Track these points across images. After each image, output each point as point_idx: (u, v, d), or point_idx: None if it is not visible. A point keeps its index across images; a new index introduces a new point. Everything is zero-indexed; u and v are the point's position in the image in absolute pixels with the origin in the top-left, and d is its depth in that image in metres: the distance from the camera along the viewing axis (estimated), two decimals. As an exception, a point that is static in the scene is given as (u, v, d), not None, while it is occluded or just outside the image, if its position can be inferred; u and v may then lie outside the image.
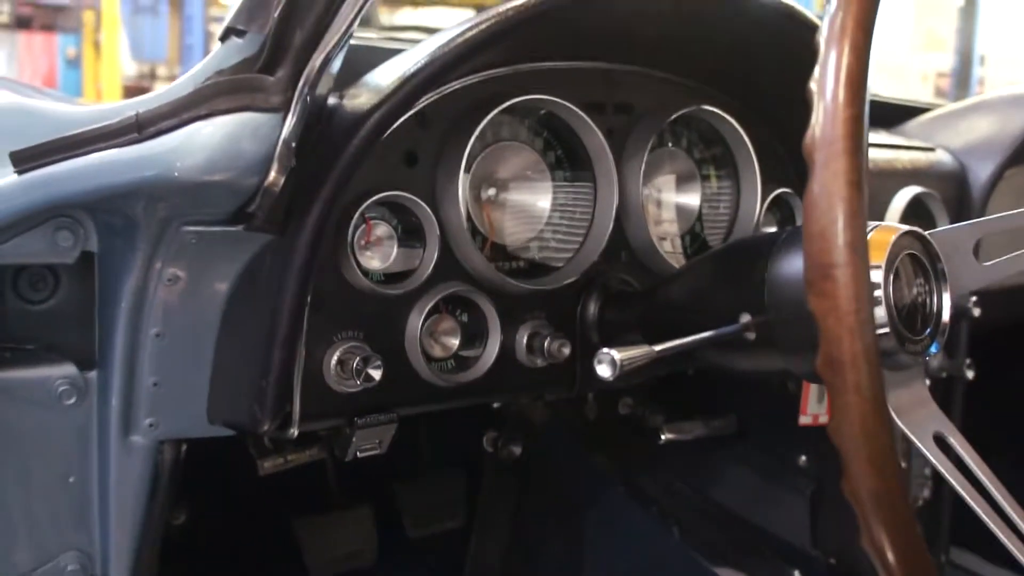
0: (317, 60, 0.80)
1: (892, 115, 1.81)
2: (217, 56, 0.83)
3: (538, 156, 1.08)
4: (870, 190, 1.22)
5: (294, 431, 0.95)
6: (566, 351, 1.05)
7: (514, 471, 1.77)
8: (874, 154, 1.40)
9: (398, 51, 0.99)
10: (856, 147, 0.57)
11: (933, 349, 0.85)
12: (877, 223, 0.85)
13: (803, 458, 1.40)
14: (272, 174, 0.82)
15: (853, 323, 0.55)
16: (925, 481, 1.47)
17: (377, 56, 0.99)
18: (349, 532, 1.72)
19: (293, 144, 0.82)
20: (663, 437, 1.38)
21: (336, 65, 0.87)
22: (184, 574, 1.41)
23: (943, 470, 0.80)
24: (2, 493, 0.96)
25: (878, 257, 0.81)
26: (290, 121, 0.80)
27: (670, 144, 1.20)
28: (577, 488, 1.70)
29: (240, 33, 0.82)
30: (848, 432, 0.56)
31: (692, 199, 1.21)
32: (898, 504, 0.55)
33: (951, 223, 1.39)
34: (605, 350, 0.84)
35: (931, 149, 1.58)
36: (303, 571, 1.67)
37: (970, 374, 1.53)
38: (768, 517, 1.48)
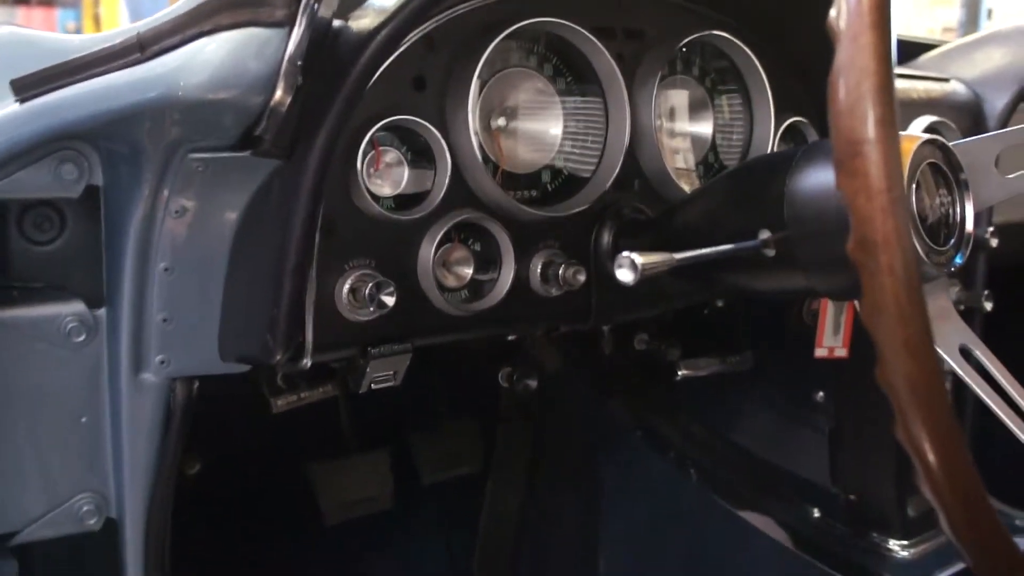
0: None
1: (905, 51, 1.79)
2: None
3: (548, 82, 1.07)
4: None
5: (307, 361, 0.94)
6: (581, 278, 1.04)
7: (529, 416, 1.77)
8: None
9: None
10: (884, 20, 0.55)
11: (957, 260, 0.84)
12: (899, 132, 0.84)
13: (820, 394, 1.39)
14: (278, 92, 0.80)
15: (885, 201, 0.53)
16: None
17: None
18: (364, 477, 1.72)
19: (299, 62, 0.80)
20: (679, 373, 1.38)
21: None
22: (200, 523, 1.41)
23: (970, 380, 0.79)
24: (14, 434, 0.95)
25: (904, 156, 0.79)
26: (295, 36, 0.79)
27: (682, 71, 1.18)
28: (593, 433, 1.70)
29: None
30: (882, 316, 0.54)
31: (705, 127, 1.19)
32: (935, 391, 0.54)
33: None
34: (625, 253, 0.83)
35: (945, 80, 1.57)
36: (318, 517, 1.67)
37: (988, 306, 1.52)
38: (787, 455, 1.47)
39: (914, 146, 0.81)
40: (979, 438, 1.44)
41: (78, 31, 8.47)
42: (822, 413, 1.40)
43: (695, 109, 1.19)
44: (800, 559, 1.20)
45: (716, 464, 1.51)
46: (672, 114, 1.17)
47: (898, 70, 1.57)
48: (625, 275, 0.84)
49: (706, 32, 1.14)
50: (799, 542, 1.32)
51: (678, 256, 0.85)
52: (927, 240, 0.80)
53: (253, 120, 0.83)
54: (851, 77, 0.55)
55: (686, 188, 1.11)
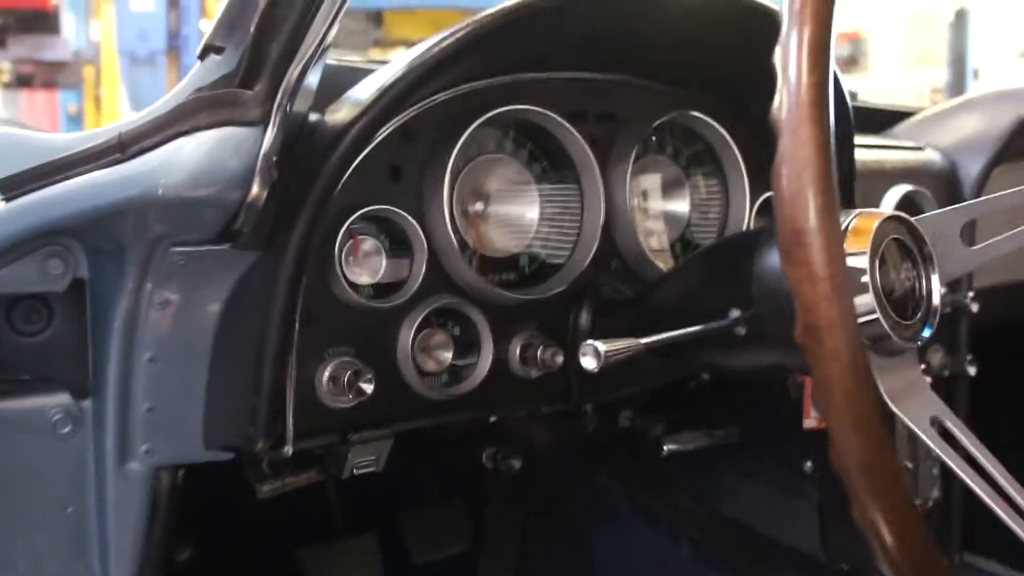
0: (294, 72, 0.82)
1: (881, 121, 1.82)
2: (197, 74, 0.84)
3: (523, 167, 1.09)
4: (861, 190, 1.22)
5: (288, 449, 0.95)
6: (559, 359, 1.05)
7: (517, 492, 1.76)
8: (863, 155, 1.40)
9: None
10: (821, 113, 0.57)
11: (925, 333, 0.85)
12: (860, 210, 0.85)
13: (809, 464, 1.39)
14: (255, 188, 0.83)
15: (828, 289, 0.55)
16: (934, 481, 1.46)
17: (359, 77, 1.01)
18: (354, 561, 1.70)
19: (274, 158, 0.83)
20: (665, 448, 1.38)
21: (314, 79, 0.88)
22: None
23: (942, 454, 0.79)
24: (11, 527, 0.96)
25: (862, 243, 0.81)
26: (270, 134, 0.82)
27: (655, 151, 1.20)
28: (582, 507, 1.70)
29: (219, 50, 0.83)
30: (831, 398, 0.56)
31: (681, 205, 1.21)
32: (887, 469, 0.55)
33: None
34: (589, 341, 0.84)
35: (920, 148, 1.59)
36: None
37: (972, 371, 1.52)
38: (777, 526, 1.47)
39: (876, 223, 0.82)
40: (970, 495, 1.44)
41: (79, 112, 8.59)
42: (811, 483, 1.40)
43: (670, 188, 1.21)
44: None
45: (707, 536, 1.50)
46: (647, 194, 1.19)
47: (874, 140, 1.60)
48: (589, 363, 0.85)
49: (679, 112, 1.16)
50: None
51: (645, 340, 0.86)
52: (892, 315, 0.81)
53: (232, 214, 0.85)
54: (793, 169, 0.57)
55: (662, 267, 1.13)
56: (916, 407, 0.82)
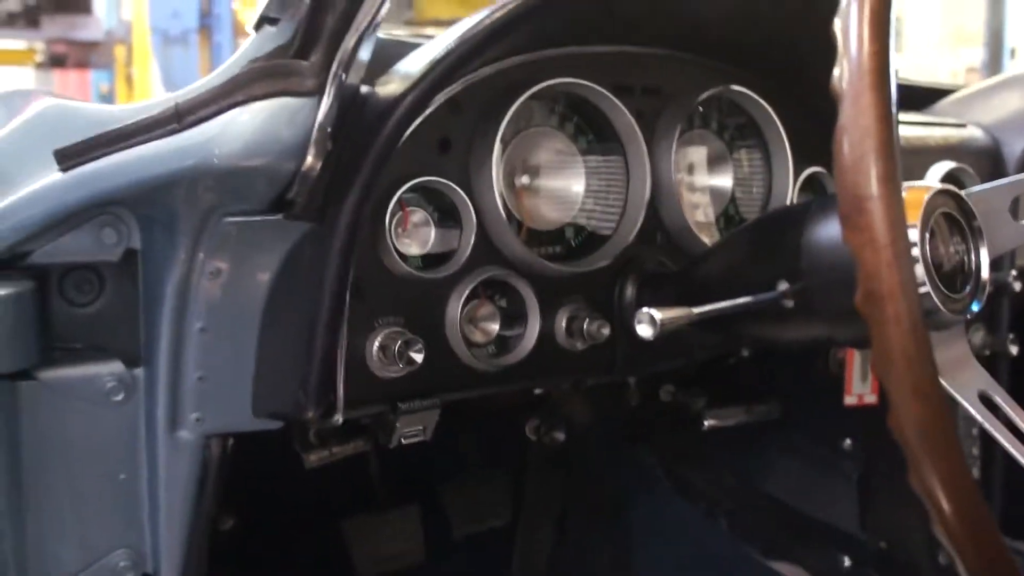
0: (349, 43, 0.82)
1: (923, 97, 1.82)
2: (252, 45, 0.85)
3: (569, 141, 1.10)
4: (903, 166, 1.23)
5: (339, 417, 0.96)
6: (605, 331, 1.06)
7: (558, 466, 1.77)
8: (905, 132, 1.40)
9: None
10: (884, 81, 0.57)
11: (974, 307, 0.85)
12: (911, 182, 0.85)
13: (848, 441, 1.40)
14: (309, 158, 0.84)
15: (890, 255, 0.55)
16: (974, 461, 1.46)
17: (406, 51, 1.01)
18: (396, 531, 1.73)
19: (329, 129, 0.84)
20: (705, 424, 1.39)
21: (367, 51, 0.88)
22: None
23: (990, 427, 0.80)
24: (53, 491, 0.97)
25: (913, 216, 0.81)
26: (325, 104, 0.82)
27: (700, 126, 1.21)
28: (622, 482, 1.71)
29: (273, 21, 0.84)
30: (891, 365, 0.56)
31: (724, 180, 1.22)
32: (946, 436, 0.55)
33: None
34: (644, 309, 0.84)
35: (963, 126, 1.58)
36: (351, 572, 1.69)
37: (1014, 349, 1.52)
38: (816, 504, 1.48)
39: (926, 196, 0.82)
40: (1009, 476, 1.44)
41: (111, 92, 8.64)
42: (851, 460, 1.41)
43: (714, 163, 1.22)
44: None
45: (745, 512, 1.51)
46: (692, 168, 1.19)
47: (916, 117, 1.59)
48: (645, 330, 0.86)
49: (723, 87, 1.16)
50: None
51: (697, 310, 0.86)
52: (942, 288, 0.81)
53: (285, 185, 0.86)
54: (854, 136, 0.57)
55: (707, 241, 1.14)
56: (965, 381, 0.83)
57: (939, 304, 0.80)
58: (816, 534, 1.47)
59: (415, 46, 1.04)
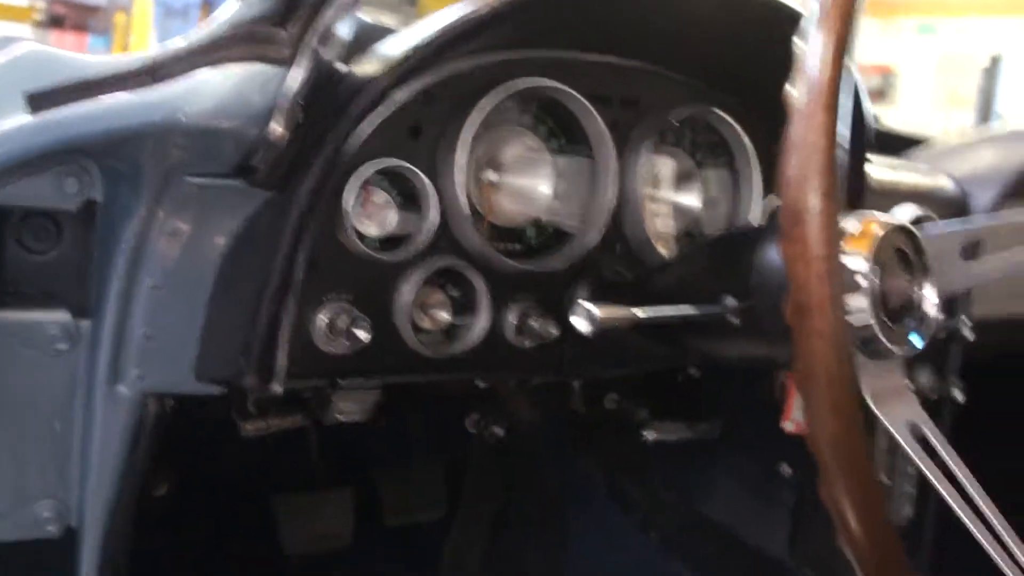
0: (328, 18, 0.83)
1: (899, 146, 1.84)
2: (233, 9, 0.86)
3: (540, 143, 1.10)
4: (870, 206, 1.24)
5: (278, 387, 0.96)
6: (554, 332, 1.07)
7: (497, 464, 1.78)
8: (877, 173, 1.41)
9: None
10: (835, 103, 0.59)
11: (915, 341, 0.87)
12: (874, 213, 0.87)
13: (786, 467, 1.41)
14: (276, 126, 0.84)
15: (821, 268, 0.56)
16: (909, 498, 1.48)
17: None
18: (327, 512, 1.73)
19: (299, 100, 0.84)
20: (647, 436, 1.39)
21: (346, 29, 0.89)
22: (163, 547, 1.42)
23: (916, 459, 0.81)
24: None
25: (865, 246, 0.82)
26: (296, 74, 0.83)
27: (672, 142, 1.22)
28: (560, 485, 1.72)
29: None
30: (812, 379, 0.58)
31: (691, 199, 1.23)
32: (857, 452, 0.57)
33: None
34: (582, 302, 0.85)
35: (934, 174, 1.60)
36: (279, 549, 1.69)
37: (959, 396, 1.53)
38: (749, 526, 1.49)
39: (884, 230, 0.84)
40: (941, 516, 1.45)
41: (107, 58, 8.59)
42: (787, 486, 1.42)
43: (682, 180, 1.23)
44: None
45: (678, 529, 1.52)
46: (658, 183, 1.20)
47: (890, 160, 1.61)
48: (580, 324, 0.86)
49: (702, 107, 1.18)
50: None
51: (639, 312, 0.87)
52: (884, 319, 0.83)
53: (251, 151, 0.87)
54: (802, 153, 0.59)
55: (666, 255, 1.15)
56: (897, 411, 0.84)
57: (879, 333, 0.82)
58: (745, 557, 1.48)
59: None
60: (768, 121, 1.22)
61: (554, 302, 1.10)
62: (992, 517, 0.80)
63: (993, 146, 1.72)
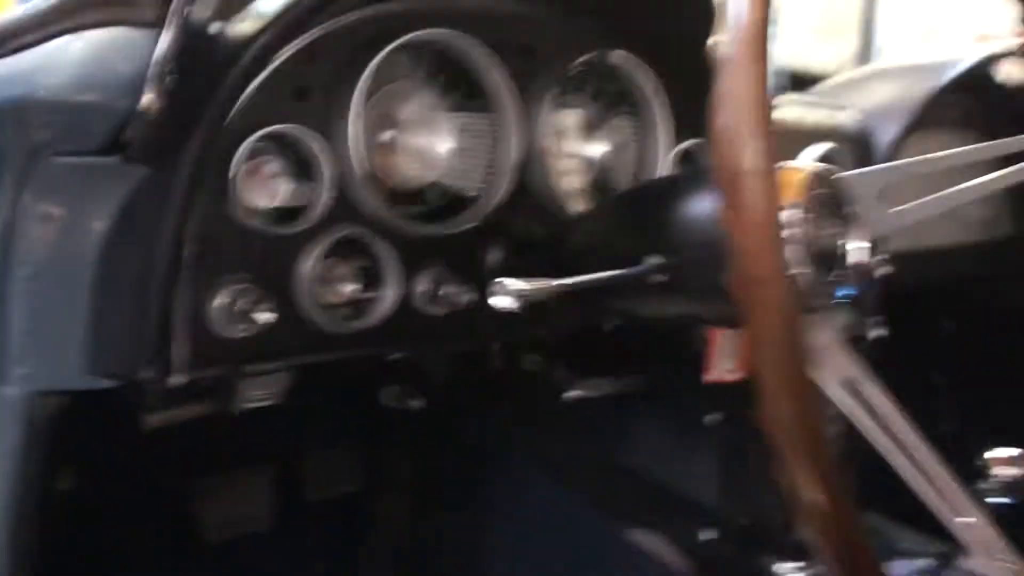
0: None
1: (797, 82, 1.87)
2: None
3: (437, 98, 1.07)
4: (779, 145, 1.24)
5: (177, 379, 0.92)
6: (467, 298, 1.05)
7: (416, 432, 1.80)
8: (783, 113, 1.42)
9: None
10: (764, 52, 0.55)
11: (844, 292, 0.86)
12: (788, 162, 0.84)
13: (712, 417, 1.42)
14: (146, 96, 0.79)
15: (768, 237, 0.53)
16: (840, 439, 1.52)
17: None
18: (244, 495, 1.74)
19: (170, 65, 0.79)
20: (569, 394, 1.39)
21: None
22: (73, 541, 1.40)
23: (850, 413, 0.81)
24: None
25: (791, 195, 0.80)
26: (165, 37, 0.78)
27: (575, 90, 1.20)
28: (481, 450, 1.74)
29: None
30: (762, 351, 0.54)
31: (597, 148, 1.21)
32: (812, 428, 0.54)
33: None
34: (500, 280, 0.83)
35: (838, 109, 1.63)
36: (197, 536, 1.68)
37: (880, 332, 1.56)
38: (679, 478, 1.51)
39: (803, 176, 0.82)
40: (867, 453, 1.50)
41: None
42: (714, 436, 1.43)
43: (588, 130, 1.21)
44: None
45: (605, 485, 1.54)
46: (564, 134, 1.18)
47: (793, 97, 1.63)
48: (500, 301, 0.84)
49: (601, 51, 1.15)
50: (688, 564, 1.35)
51: (557, 283, 0.85)
52: (814, 272, 0.81)
53: (121, 124, 0.82)
54: (734, 107, 0.55)
55: (577, 209, 1.13)
56: (829, 368, 0.83)
57: (811, 287, 0.80)
58: (677, 508, 1.50)
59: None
60: (677, 65, 1.20)
61: (465, 266, 1.07)
62: (930, 467, 0.81)
63: (892, 79, 1.78)
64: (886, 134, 1.61)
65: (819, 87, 1.82)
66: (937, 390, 1.97)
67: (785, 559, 1.40)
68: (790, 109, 1.53)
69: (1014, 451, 1.14)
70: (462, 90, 1.09)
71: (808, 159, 1.41)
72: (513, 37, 1.11)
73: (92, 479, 1.39)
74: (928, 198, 0.94)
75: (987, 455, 1.16)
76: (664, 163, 1.19)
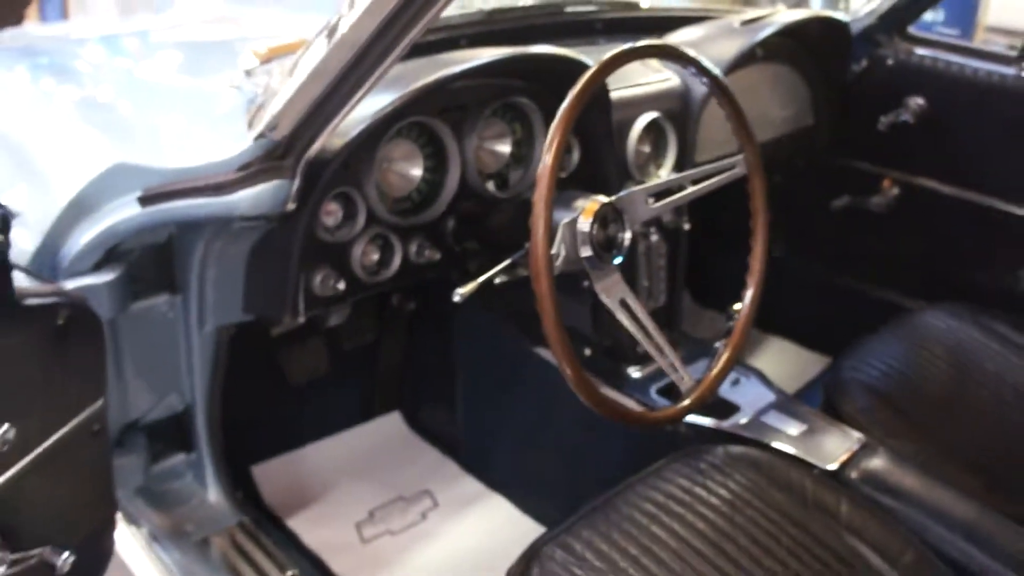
0: (312, 150, 1.46)
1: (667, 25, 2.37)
2: (255, 147, 1.46)
3: (414, 144, 1.76)
4: (617, 120, 1.92)
5: (302, 318, 1.64)
6: (437, 256, 1.76)
7: (406, 314, 2.49)
8: (618, 94, 1.93)
9: None
10: (552, 186, 1.34)
11: (618, 259, 1.55)
12: (595, 197, 1.52)
13: (585, 283, 1.83)
14: (289, 205, 1.51)
15: (541, 262, 1.34)
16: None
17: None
18: (308, 349, 2.38)
19: (297, 195, 1.50)
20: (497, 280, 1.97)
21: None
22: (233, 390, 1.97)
23: (621, 317, 1.52)
24: (144, 365, 1.65)
25: (588, 216, 1.48)
26: (296, 183, 1.49)
27: (492, 117, 1.85)
28: (448, 323, 2.41)
29: (266, 135, 1.47)
30: (539, 305, 1.35)
31: (505, 147, 1.89)
32: (557, 325, 1.36)
33: (677, 137, 2.05)
34: (454, 292, 1.51)
35: (664, 75, 2.05)
36: (286, 379, 2.38)
37: (687, 226, 2.15)
38: (571, 319, 1.82)
39: (595, 205, 1.51)
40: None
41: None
42: (587, 295, 1.78)
43: (499, 137, 1.88)
44: (581, 376, 1.52)
45: (530, 318, 1.84)
46: (484, 142, 1.85)
47: (627, 79, 2.03)
48: (456, 298, 1.50)
49: (503, 101, 1.82)
50: (580, 367, 1.54)
51: (481, 279, 1.52)
52: (599, 250, 1.50)
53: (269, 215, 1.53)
54: (536, 207, 1.37)
55: (492, 189, 1.83)
56: (612, 294, 1.55)
57: (598, 260, 1.51)
58: (571, 335, 1.85)
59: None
60: (551, 97, 1.85)
61: (437, 236, 1.77)
62: (661, 342, 1.56)
63: (713, 41, 2.23)
64: (698, 92, 2.05)
65: (674, 36, 2.27)
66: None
67: (631, 364, 2.11)
68: (628, 89, 1.96)
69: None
70: (427, 138, 1.77)
71: (639, 127, 1.99)
72: (451, 102, 1.76)
73: (245, 363, 1.97)
74: (668, 200, 1.65)
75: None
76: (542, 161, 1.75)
